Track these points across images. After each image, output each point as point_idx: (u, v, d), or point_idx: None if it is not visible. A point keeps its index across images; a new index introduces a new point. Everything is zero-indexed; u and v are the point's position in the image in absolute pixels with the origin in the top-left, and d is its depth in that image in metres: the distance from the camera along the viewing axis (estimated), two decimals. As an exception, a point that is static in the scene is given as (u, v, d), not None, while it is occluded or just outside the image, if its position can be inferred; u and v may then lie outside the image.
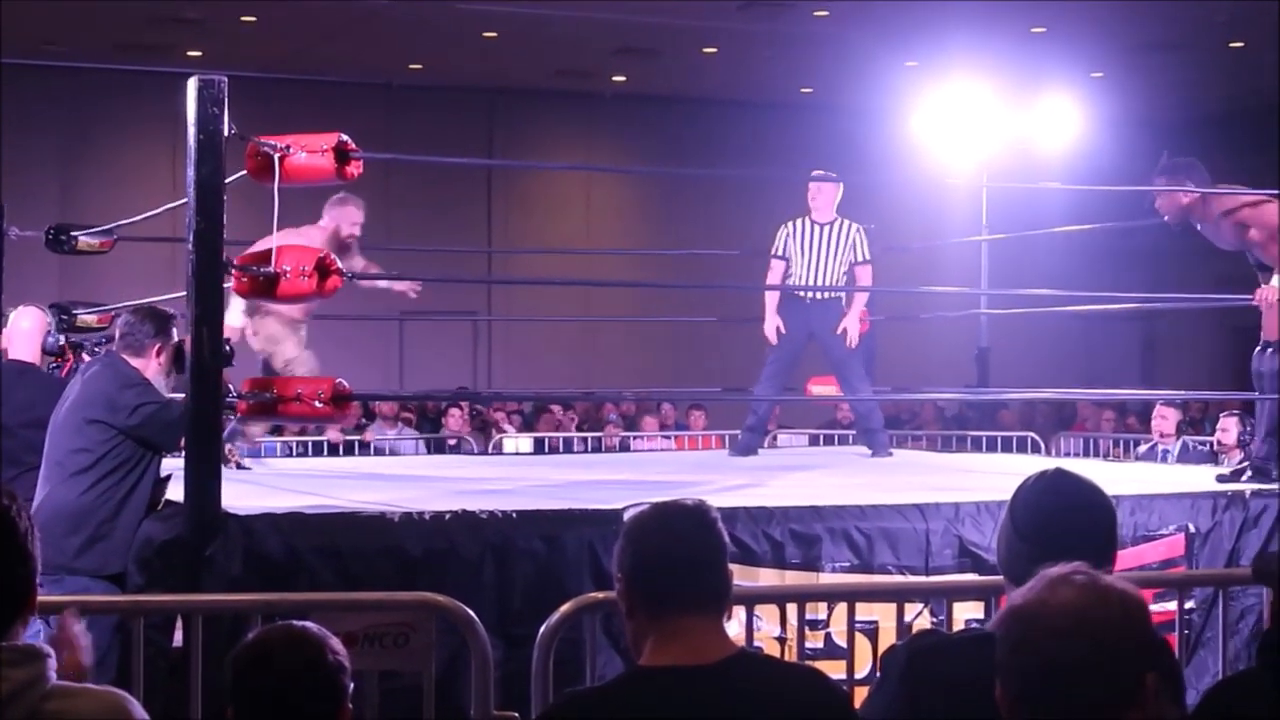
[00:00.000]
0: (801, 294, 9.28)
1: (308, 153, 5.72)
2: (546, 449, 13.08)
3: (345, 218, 8.42)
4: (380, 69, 19.79)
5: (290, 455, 11.70)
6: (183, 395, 5.57)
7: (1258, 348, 7.51)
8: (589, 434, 14.31)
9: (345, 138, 5.78)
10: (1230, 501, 6.46)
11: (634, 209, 21.77)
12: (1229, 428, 10.50)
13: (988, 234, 17.18)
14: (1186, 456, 10.67)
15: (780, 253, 9.31)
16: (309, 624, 2.92)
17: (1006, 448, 12.53)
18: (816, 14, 17.05)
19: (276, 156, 5.65)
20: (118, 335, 6.27)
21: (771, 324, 9.25)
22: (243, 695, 2.82)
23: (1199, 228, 7.58)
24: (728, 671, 2.84)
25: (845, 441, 11.99)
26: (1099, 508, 3.03)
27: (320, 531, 5.29)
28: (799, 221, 9.32)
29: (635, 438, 14.41)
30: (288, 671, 2.79)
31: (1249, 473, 7.25)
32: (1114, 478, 7.15)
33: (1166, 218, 7.57)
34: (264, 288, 5.56)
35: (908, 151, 18.41)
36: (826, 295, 9.32)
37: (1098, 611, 2.28)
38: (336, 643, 2.84)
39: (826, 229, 9.27)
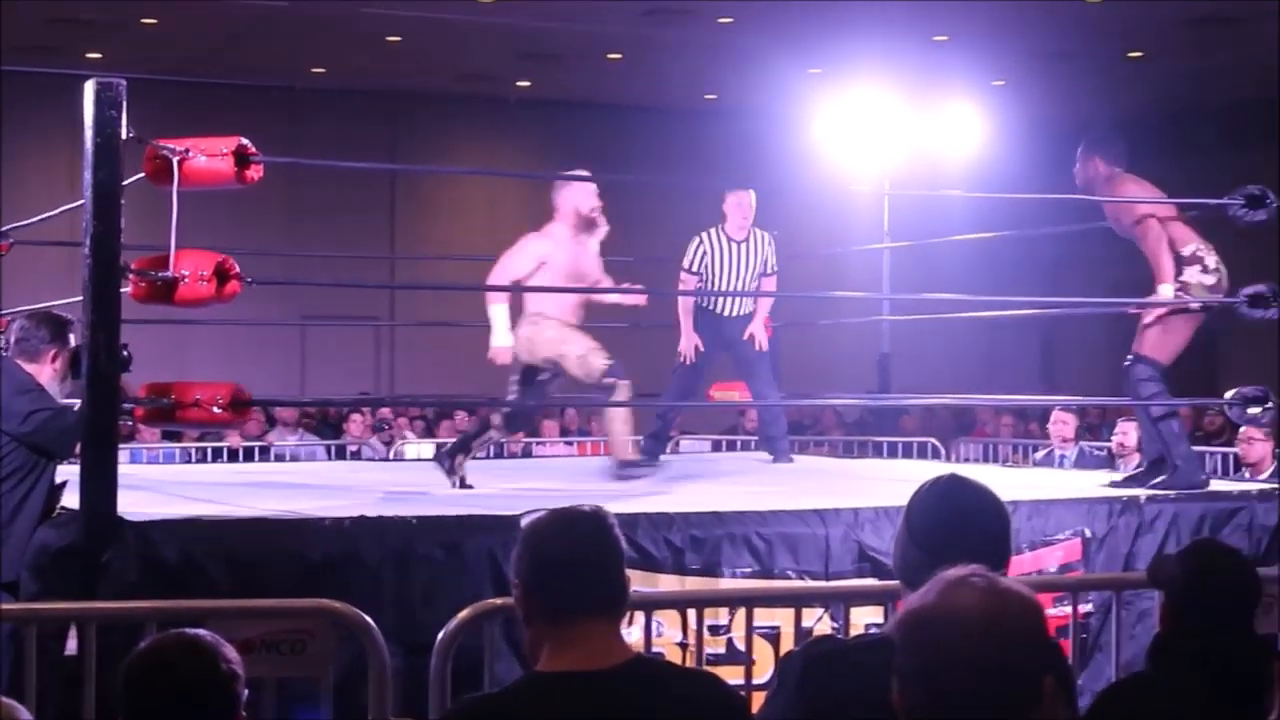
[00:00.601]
0: (717, 309, 9.20)
1: (207, 156, 5.68)
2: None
3: (577, 197, 8.19)
4: (283, 72, 19.66)
5: (189, 461, 11.59)
6: (78, 401, 5.51)
7: (1128, 360, 7.56)
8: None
9: (245, 141, 5.75)
10: (1125, 507, 6.54)
11: (538, 214, 21.70)
12: (1128, 431, 10.66)
13: (890, 241, 17.29)
14: (1084, 462, 10.78)
15: (694, 267, 9.17)
16: (202, 631, 2.90)
17: (908, 453, 12.60)
18: (720, 20, 17.11)
19: (175, 160, 5.62)
20: (13, 340, 6.18)
21: (689, 342, 9.13)
22: (134, 704, 2.80)
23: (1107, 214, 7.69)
24: (624, 676, 2.84)
25: (748, 447, 12.02)
26: (992, 513, 3.04)
27: (218, 538, 5.25)
28: (713, 234, 9.21)
29: (538, 444, 14.38)
30: (179, 679, 2.77)
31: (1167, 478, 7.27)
32: (1012, 483, 7.25)
33: (1079, 182, 7.70)
34: (162, 293, 5.51)
35: (812, 158, 18.49)
36: (743, 310, 9.23)
37: (999, 615, 2.27)
38: (230, 650, 2.82)
39: (743, 244, 9.20)
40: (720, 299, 9.16)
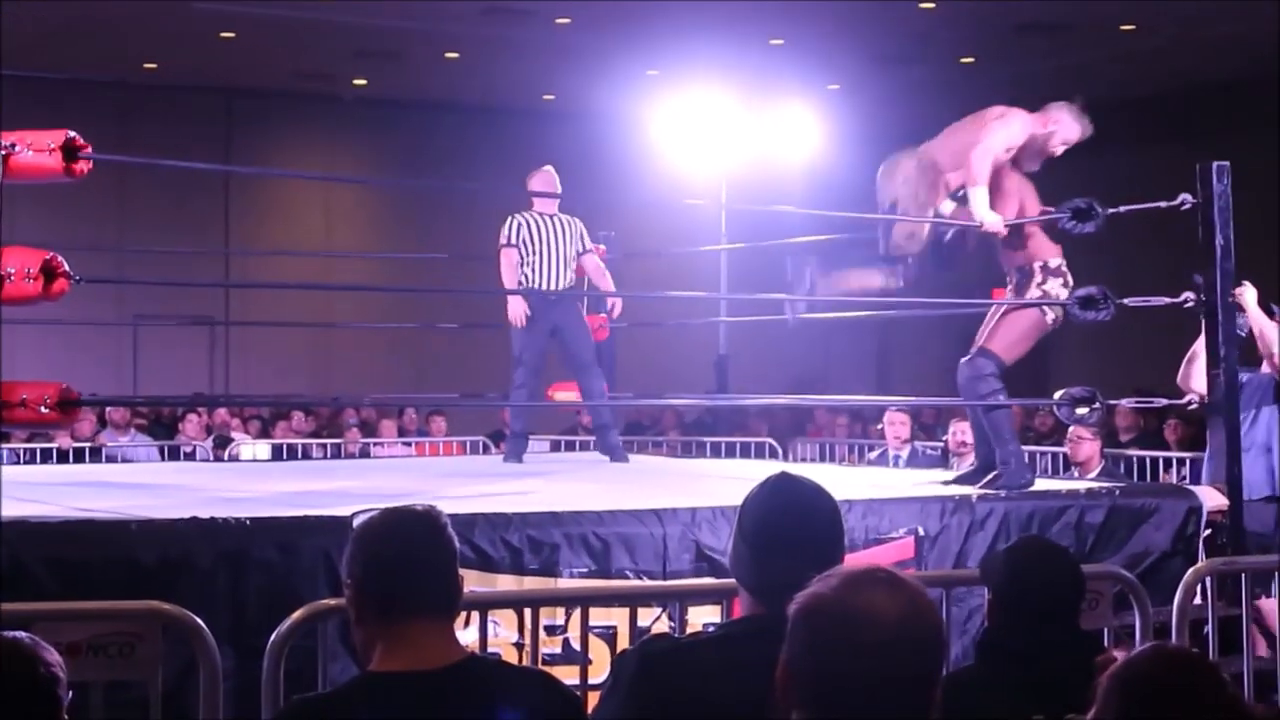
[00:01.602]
0: (543, 289, 9.21)
1: (34, 150, 5.58)
2: (285, 456, 12.90)
3: (1068, 129, 7.77)
4: (115, 67, 19.34)
5: (18, 462, 11.36)
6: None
7: (966, 357, 7.66)
8: (328, 440, 14.15)
9: (74, 135, 5.65)
10: (958, 506, 6.63)
11: (374, 213, 21.62)
12: (965, 430, 10.83)
13: (727, 243, 17.39)
14: (916, 461, 10.93)
15: (511, 241, 9.21)
16: (20, 634, 2.83)
17: (746, 453, 12.70)
18: (558, 21, 17.12)
19: (1, 154, 5.50)
20: None
21: (518, 306, 9.10)
22: (-52, 709, 2.73)
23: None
24: (456, 676, 2.83)
25: (587, 447, 12.03)
26: (822, 512, 3.03)
27: (46, 540, 5.14)
28: (525, 214, 9.28)
29: (375, 444, 14.29)
30: None
31: (996, 477, 7.38)
32: (847, 482, 7.33)
33: None
34: (-13, 290, 5.40)
35: (650, 160, 18.57)
36: (566, 289, 9.30)
37: (913, 619, 2.23)
38: (51, 653, 2.76)
39: (552, 219, 9.27)
40: (541, 278, 9.17)
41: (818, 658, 2.23)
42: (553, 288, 9.23)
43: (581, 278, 9.52)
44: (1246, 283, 7.79)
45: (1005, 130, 7.64)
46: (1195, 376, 8.09)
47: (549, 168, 9.49)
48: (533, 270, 9.18)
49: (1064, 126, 7.71)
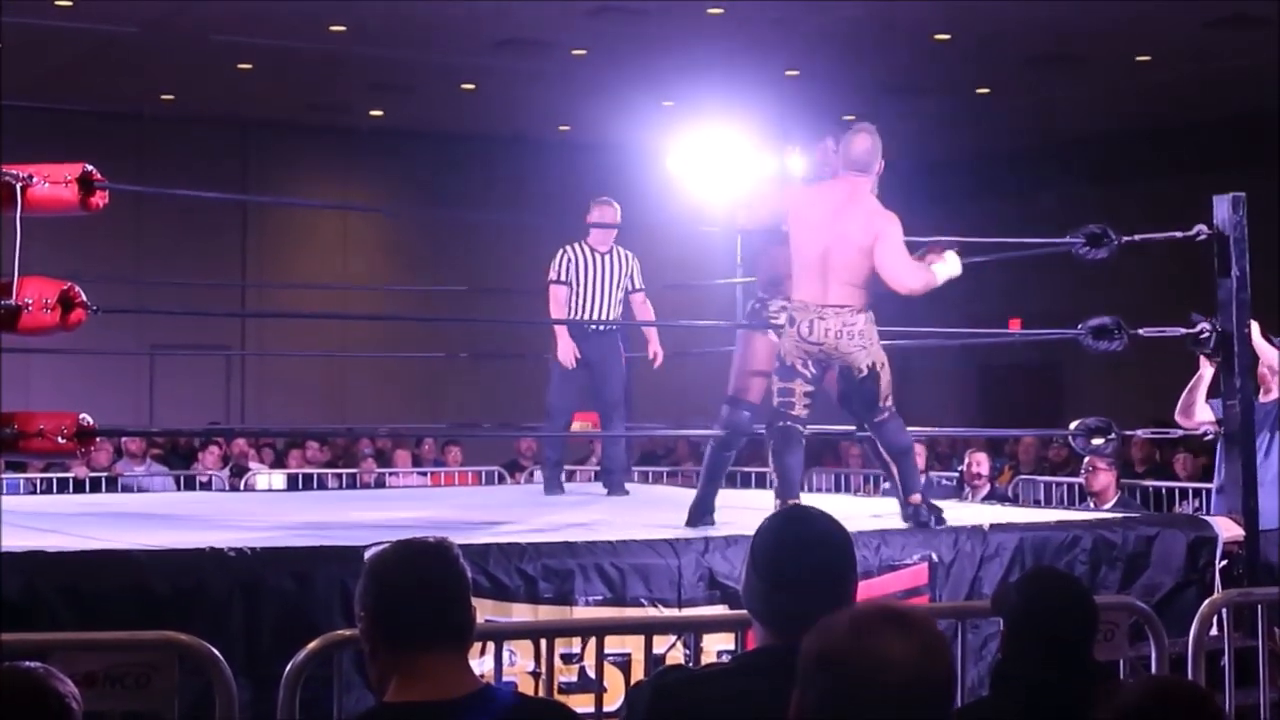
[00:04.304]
0: (586, 324, 9.16)
1: (51, 183, 5.61)
2: (300, 485, 12.92)
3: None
4: (132, 99, 19.41)
5: (35, 492, 11.39)
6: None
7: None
8: (344, 470, 14.17)
9: (90, 168, 5.68)
10: (970, 534, 6.64)
11: (391, 244, 21.64)
12: (979, 461, 10.89)
13: (743, 275, 17.37)
14: (931, 491, 10.91)
15: (562, 277, 9.18)
16: (36, 664, 2.83)
17: (761, 483, 12.68)
18: (574, 52, 17.17)
19: (18, 186, 5.54)
20: None
21: (568, 348, 9.11)
22: (-41, 739, 2.73)
23: None
24: (470, 707, 2.84)
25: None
26: (835, 544, 3.02)
27: (62, 571, 5.16)
28: (577, 247, 9.24)
29: (391, 474, 14.30)
30: (10, 714, 2.70)
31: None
32: (861, 511, 7.33)
33: None
34: (4, 321, 5.43)
35: (666, 191, 18.59)
36: (605, 326, 9.25)
37: (927, 665, 2.23)
38: (65, 683, 2.75)
39: (606, 257, 9.22)
40: (585, 313, 9.13)
41: (830, 706, 2.23)
42: (592, 327, 9.18)
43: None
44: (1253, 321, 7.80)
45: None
46: (1197, 409, 8.10)
47: (609, 200, 9.43)
48: (576, 304, 9.14)
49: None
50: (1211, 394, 7.88)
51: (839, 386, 7.08)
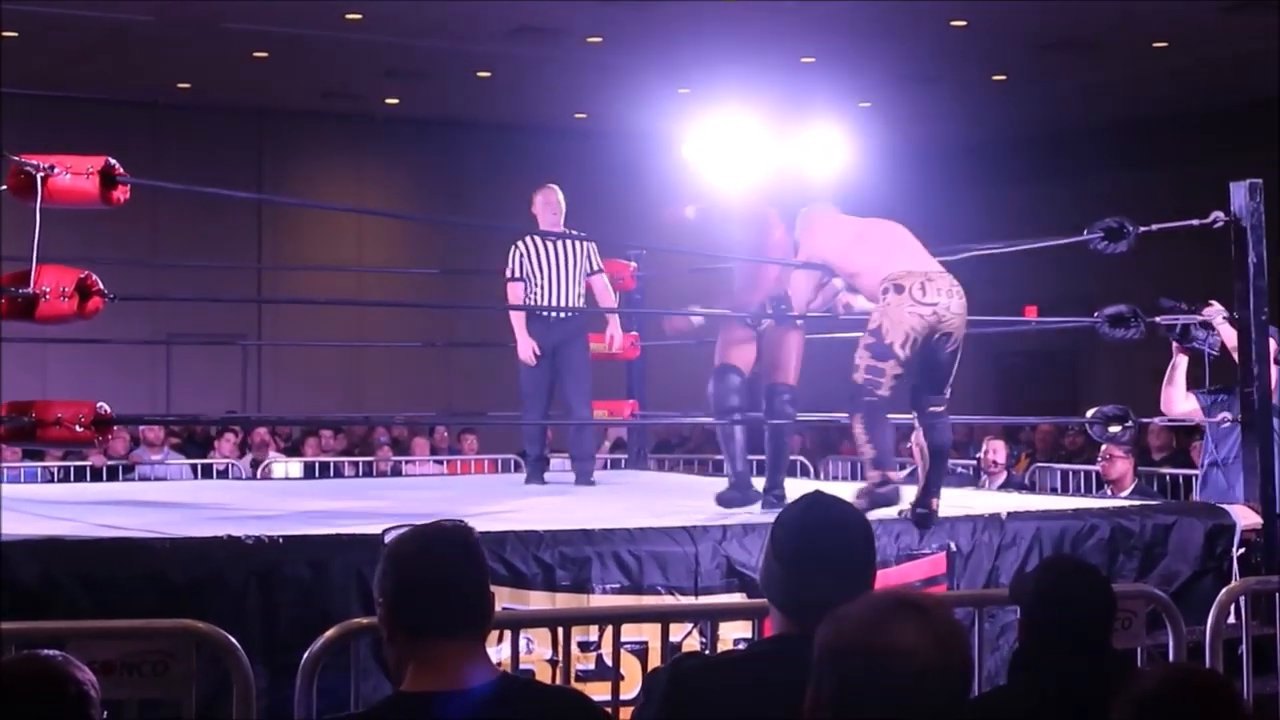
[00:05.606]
0: (547, 313, 9.08)
1: (72, 174, 5.60)
2: (317, 474, 12.93)
3: None
4: (147, 87, 19.42)
5: (52, 480, 11.41)
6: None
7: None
8: (360, 459, 14.18)
9: (112, 161, 5.67)
10: (988, 523, 6.63)
11: (407, 229, 21.63)
12: (996, 449, 10.87)
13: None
14: (947, 479, 10.89)
15: (517, 274, 9.10)
16: (54, 652, 2.83)
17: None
18: (590, 40, 17.15)
19: (39, 177, 5.53)
20: None
21: (526, 345, 9.05)
22: (-19, 727, 2.73)
23: None
24: (488, 696, 2.83)
25: (618, 466, 12.03)
26: (855, 532, 3.02)
27: (79, 558, 5.17)
28: (528, 240, 9.10)
29: (407, 462, 14.31)
30: (28, 702, 2.69)
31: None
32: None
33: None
34: (22, 310, 5.43)
35: (683, 177, 18.56)
36: (568, 313, 9.14)
37: (941, 650, 2.22)
38: (83, 671, 2.75)
39: (557, 242, 9.10)
40: (547, 302, 9.04)
41: (845, 696, 2.23)
42: (553, 315, 9.09)
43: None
44: (1214, 301, 7.78)
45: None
46: (1175, 400, 8.08)
47: (552, 186, 9.37)
48: (537, 297, 9.03)
49: None
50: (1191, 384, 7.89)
51: (918, 363, 6.90)
